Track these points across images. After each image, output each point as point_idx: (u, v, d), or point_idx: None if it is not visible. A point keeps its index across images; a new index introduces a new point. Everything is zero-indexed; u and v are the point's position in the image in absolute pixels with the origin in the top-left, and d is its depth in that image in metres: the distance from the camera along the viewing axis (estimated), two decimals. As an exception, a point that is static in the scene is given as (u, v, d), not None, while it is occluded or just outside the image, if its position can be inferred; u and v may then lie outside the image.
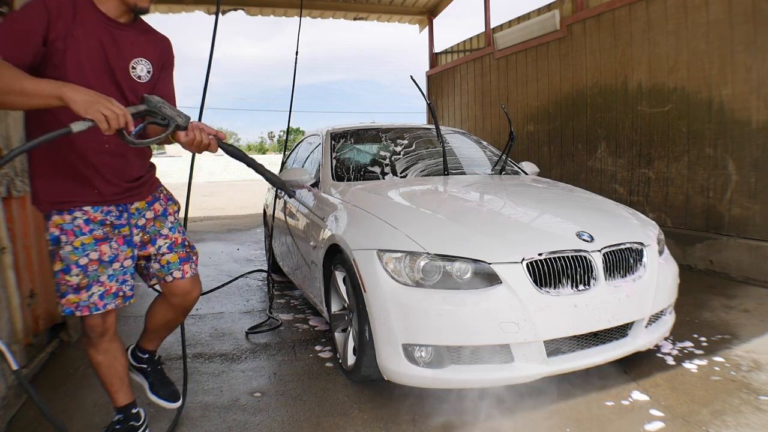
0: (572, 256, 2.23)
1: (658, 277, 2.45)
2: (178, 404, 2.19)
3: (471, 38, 8.73)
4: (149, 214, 1.92)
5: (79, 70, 1.65)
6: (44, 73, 1.59)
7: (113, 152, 1.75)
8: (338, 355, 2.71)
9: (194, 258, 2.03)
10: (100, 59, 1.69)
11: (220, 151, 1.85)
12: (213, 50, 2.51)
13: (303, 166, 4.00)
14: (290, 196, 2.05)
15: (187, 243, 2.01)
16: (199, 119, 2.23)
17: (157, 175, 2.04)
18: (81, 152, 1.70)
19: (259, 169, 1.76)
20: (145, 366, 2.22)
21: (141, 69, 1.82)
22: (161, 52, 1.89)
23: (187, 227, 2.21)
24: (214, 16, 2.64)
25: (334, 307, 2.77)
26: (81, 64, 1.65)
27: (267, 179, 1.81)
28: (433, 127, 3.74)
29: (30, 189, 1.76)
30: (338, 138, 3.75)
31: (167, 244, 1.95)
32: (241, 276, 4.66)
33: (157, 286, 2.05)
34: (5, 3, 2.54)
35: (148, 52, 1.84)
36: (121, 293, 1.83)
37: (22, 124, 2.79)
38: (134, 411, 1.99)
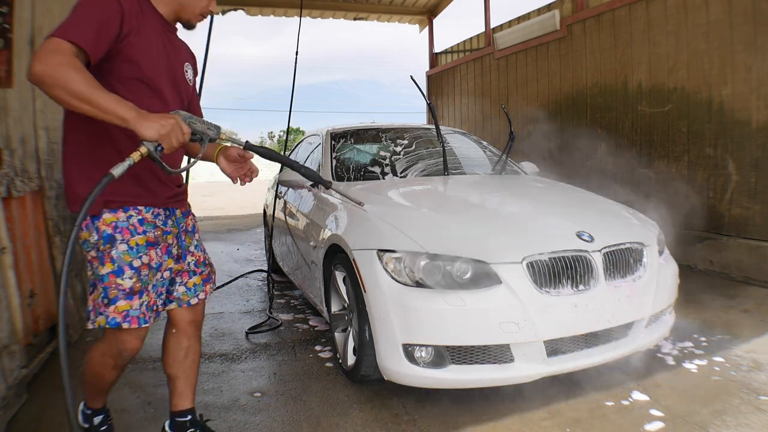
0: (572, 256, 2.23)
1: (658, 277, 2.45)
2: None
3: (471, 38, 8.73)
4: (183, 226, 1.84)
5: (153, 67, 1.63)
6: (115, 66, 1.54)
7: (166, 153, 1.58)
8: (338, 355, 2.71)
9: (213, 276, 1.96)
10: (164, 59, 1.68)
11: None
12: (208, 50, 2.51)
13: (303, 166, 4.00)
14: (327, 188, 2.04)
15: (207, 261, 1.94)
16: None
17: None
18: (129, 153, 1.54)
19: (293, 165, 1.81)
20: (193, 431, 1.91)
21: (190, 73, 1.83)
22: (194, 60, 1.92)
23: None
24: (214, 16, 2.64)
25: (334, 307, 2.77)
26: (154, 61, 1.63)
27: (303, 175, 1.84)
28: (433, 127, 3.74)
29: (68, 190, 1.64)
30: (338, 138, 3.75)
31: (194, 262, 1.87)
32: (241, 276, 4.66)
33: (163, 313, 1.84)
34: (5, 3, 2.54)
35: (188, 58, 1.86)
36: (155, 307, 1.69)
37: (21, 124, 2.80)
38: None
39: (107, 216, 1.61)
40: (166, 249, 1.72)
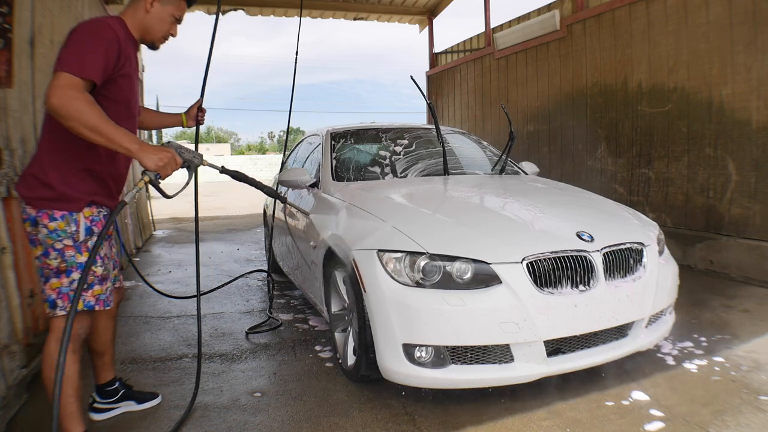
0: (572, 256, 2.23)
1: (658, 277, 2.45)
2: (158, 399, 2.35)
3: (471, 38, 8.73)
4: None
5: (131, 89, 1.90)
6: (105, 88, 1.76)
7: (123, 164, 1.98)
8: (338, 355, 2.71)
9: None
10: (137, 79, 1.95)
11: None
12: (212, 50, 2.54)
13: (303, 166, 4.00)
14: (283, 203, 2.48)
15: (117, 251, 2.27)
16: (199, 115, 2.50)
17: None
18: (106, 161, 1.88)
19: (258, 185, 2.19)
20: (123, 391, 2.29)
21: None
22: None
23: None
24: (214, 16, 2.65)
25: (334, 307, 2.77)
26: (132, 84, 1.90)
27: (266, 193, 2.26)
28: (433, 127, 3.74)
29: (54, 189, 1.78)
30: (338, 138, 3.74)
31: (116, 252, 2.17)
32: (241, 276, 4.66)
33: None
34: (5, 3, 2.54)
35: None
36: (110, 291, 1.97)
37: (21, 124, 2.80)
38: None
39: (86, 210, 1.84)
40: (110, 241, 2.04)
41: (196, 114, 2.43)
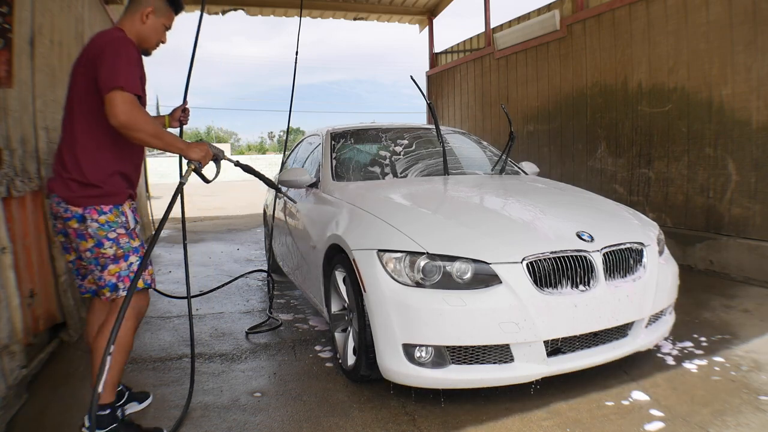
0: (572, 256, 2.23)
1: (658, 277, 2.45)
2: (151, 399, 2.40)
3: (471, 38, 8.73)
4: None
5: (144, 92, 2.12)
6: None
7: (139, 165, 2.25)
8: (338, 355, 2.71)
9: None
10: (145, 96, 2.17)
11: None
12: (194, 54, 2.71)
13: (303, 166, 4.00)
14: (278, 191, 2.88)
15: None
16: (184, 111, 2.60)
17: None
18: (135, 163, 2.18)
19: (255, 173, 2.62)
20: (128, 393, 2.37)
21: None
22: None
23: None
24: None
25: (334, 307, 2.77)
26: (144, 87, 2.12)
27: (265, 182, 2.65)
28: (433, 127, 3.74)
29: (101, 188, 1.99)
30: (338, 138, 3.74)
31: None
32: (241, 276, 4.66)
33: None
34: (5, 3, 2.54)
35: None
36: None
37: (21, 124, 2.80)
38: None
39: (127, 203, 2.08)
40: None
41: (179, 116, 2.54)
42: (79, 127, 1.99)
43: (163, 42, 2.23)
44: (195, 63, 2.71)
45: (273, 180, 2.92)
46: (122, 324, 1.84)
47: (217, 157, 2.26)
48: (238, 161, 2.51)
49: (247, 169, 2.62)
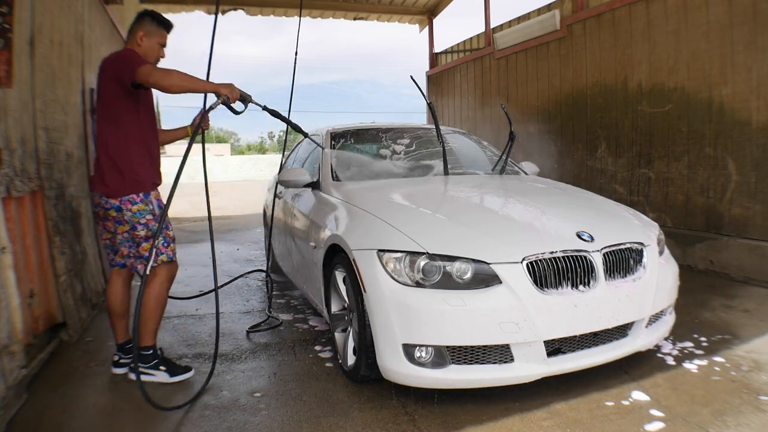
0: (572, 256, 2.22)
1: (658, 277, 2.45)
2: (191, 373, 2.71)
3: (471, 38, 8.73)
4: None
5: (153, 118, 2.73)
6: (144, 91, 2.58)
7: (157, 156, 2.72)
8: (338, 355, 2.71)
9: None
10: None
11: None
12: (212, 51, 2.82)
13: (303, 166, 4.00)
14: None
15: None
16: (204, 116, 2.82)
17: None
18: (153, 154, 2.66)
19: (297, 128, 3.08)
20: (157, 361, 2.68)
21: None
22: None
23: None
24: (213, 16, 2.76)
25: (334, 307, 2.77)
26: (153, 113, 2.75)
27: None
28: (433, 127, 3.74)
29: (135, 180, 2.51)
30: (338, 138, 3.74)
31: None
32: (241, 276, 4.65)
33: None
34: (5, 3, 2.54)
35: None
36: None
37: (21, 124, 2.79)
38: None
39: (153, 192, 2.60)
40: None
41: (199, 123, 2.80)
42: (107, 132, 2.52)
43: (162, 57, 2.67)
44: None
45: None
46: (159, 284, 2.59)
47: (245, 99, 2.58)
48: (265, 106, 2.78)
49: (275, 113, 2.86)
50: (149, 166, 2.61)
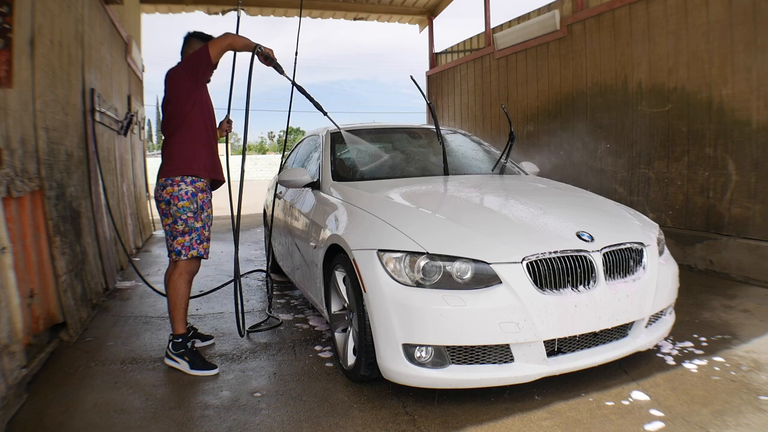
0: (572, 256, 2.23)
1: (658, 278, 2.45)
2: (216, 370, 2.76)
3: (471, 38, 8.73)
4: None
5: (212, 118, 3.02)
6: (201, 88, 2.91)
7: (217, 151, 3.01)
8: (338, 355, 2.71)
9: None
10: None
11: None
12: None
13: (303, 166, 4.00)
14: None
15: None
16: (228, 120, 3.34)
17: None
18: (212, 149, 2.93)
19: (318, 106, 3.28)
20: (184, 350, 2.81)
21: None
22: None
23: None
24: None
25: (334, 307, 2.77)
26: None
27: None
28: (433, 127, 3.74)
29: (180, 176, 2.76)
30: (338, 138, 3.74)
31: None
32: (241, 276, 4.65)
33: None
34: (5, 3, 2.54)
35: None
36: None
37: (21, 124, 2.79)
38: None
39: (201, 195, 2.85)
40: (210, 212, 2.98)
41: (225, 127, 3.18)
42: (170, 130, 2.80)
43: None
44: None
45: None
46: (179, 278, 2.80)
47: (277, 68, 2.98)
48: (293, 80, 3.22)
49: (300, 89, 3.20)
50: (208, 161, 2.90)
